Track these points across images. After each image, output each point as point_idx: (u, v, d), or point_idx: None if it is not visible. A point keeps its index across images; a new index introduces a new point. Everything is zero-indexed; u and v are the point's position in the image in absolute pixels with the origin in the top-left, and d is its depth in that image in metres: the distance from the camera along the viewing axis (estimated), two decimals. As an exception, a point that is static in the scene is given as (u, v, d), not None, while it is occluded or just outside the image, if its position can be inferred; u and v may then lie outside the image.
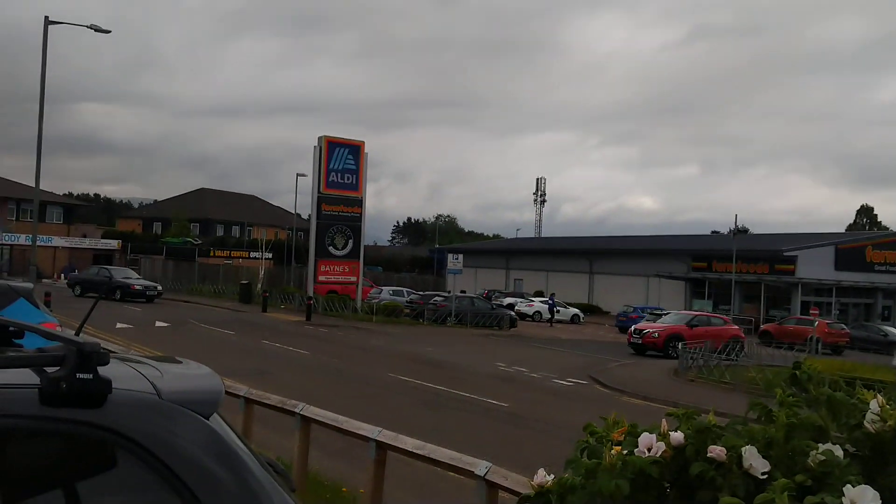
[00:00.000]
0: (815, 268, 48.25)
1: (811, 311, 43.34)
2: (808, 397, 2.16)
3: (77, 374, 2.02)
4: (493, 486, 6.28)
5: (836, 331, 38.19)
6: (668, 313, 36.88)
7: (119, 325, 25.73)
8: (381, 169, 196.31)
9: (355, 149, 42.76)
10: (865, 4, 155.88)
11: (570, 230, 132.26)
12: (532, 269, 66.99)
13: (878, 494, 1.69)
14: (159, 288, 42.39)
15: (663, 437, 2.01)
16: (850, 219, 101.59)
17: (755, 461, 1.91)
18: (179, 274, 57.67)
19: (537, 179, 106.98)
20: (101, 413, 2.07)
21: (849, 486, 1.74)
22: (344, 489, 8.81)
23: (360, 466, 9.01)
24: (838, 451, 1.94)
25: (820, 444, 1.96)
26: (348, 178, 42.31)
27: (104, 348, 2.16)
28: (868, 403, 2.08)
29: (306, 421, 8.75)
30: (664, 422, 2.07)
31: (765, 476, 1.92)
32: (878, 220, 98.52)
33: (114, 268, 46.75)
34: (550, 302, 47.34)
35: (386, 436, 7.59)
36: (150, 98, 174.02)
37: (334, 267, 42.11)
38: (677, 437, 2.00)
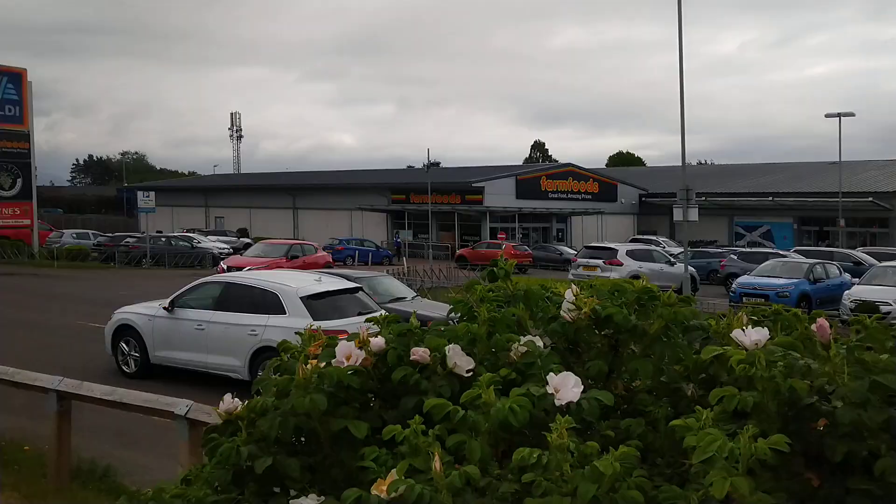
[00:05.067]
0: (500, 197, 52.35)
1: (499, 236, 47.21)
2: (506, 293, 2.12)
3: None
4: (195, 425, 5.98)
5: (521, 252, 42.00)
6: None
7: None
8: (54, 101, 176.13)
9: (16, 76, 38.54)
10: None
11: (272, 167, 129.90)
12: (233, 207, 64.91)
13: (579, 381, 1.67)
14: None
15: (363, 343, 1.83)
16: (527, 153, 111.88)
17: (459, 359, 1.81)
18: None
19: (231, 114, 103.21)
20: None
21: (552, 374, 1.70)
22: (26, 448, 7.84)
23: (46, 422, 8.06)
24: (539, 342, 1.92)
25: (521, 338, 1.92)
26: (10, 110, 38.14)
27: None
28: (563, 296, 2.08)
29: (-32, 379, 7.62)
30: (363, 328, 1.89)
31: (470, 374, 1.83)
32: (549, 153, 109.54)
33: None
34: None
35: (68, 384, 6.88)
36: None
37: (2, 209, 37.80)
38: (378, 342, 1.84)
